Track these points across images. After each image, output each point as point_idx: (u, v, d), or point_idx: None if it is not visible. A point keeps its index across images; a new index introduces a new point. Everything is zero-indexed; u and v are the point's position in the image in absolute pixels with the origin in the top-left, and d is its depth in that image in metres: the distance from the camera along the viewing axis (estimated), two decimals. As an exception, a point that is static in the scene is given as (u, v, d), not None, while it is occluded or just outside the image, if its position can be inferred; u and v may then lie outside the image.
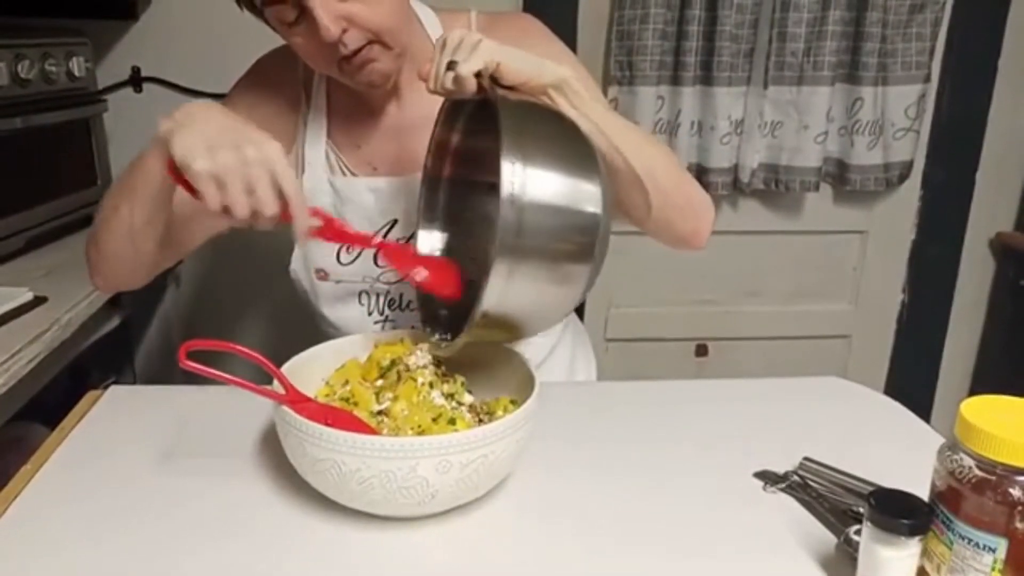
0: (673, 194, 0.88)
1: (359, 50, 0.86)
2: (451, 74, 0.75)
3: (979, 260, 2.04)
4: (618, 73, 1.76)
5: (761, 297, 2.02)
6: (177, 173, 0.72)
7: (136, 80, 1.74)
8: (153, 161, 0.78)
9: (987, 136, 1.92)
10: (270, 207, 0.71)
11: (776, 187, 1.86)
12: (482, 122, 0.85)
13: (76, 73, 1.53)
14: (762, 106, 1.80)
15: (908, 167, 1.87)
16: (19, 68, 1.37)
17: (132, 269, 0.92)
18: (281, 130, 1.00)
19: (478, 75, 0.75)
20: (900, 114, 1.81)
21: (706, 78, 1.76)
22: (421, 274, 0.84)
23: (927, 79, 1.80)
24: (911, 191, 1.95)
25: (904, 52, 1.77)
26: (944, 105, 1.89)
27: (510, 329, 0.76)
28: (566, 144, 0.73)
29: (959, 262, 2.01)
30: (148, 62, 1.74)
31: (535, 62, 0.78)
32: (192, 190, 0.72)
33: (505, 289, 0.69)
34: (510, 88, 0.77)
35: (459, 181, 0.91)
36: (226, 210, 0.71)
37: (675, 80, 1.76)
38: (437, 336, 0.84)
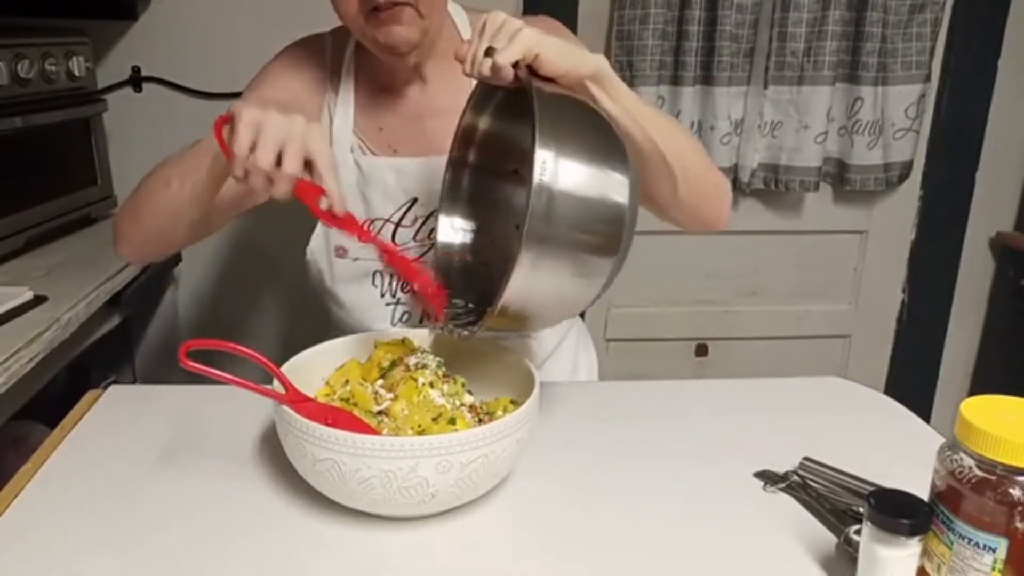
0: (700, 180, 0.91)
1: (392, 5, 0.88)
2: (489, 61, 0.74)
3: (979, 260, 2.03)
4: (618, 73, 1.74)
5: (761, 297, 2.02)
6: (221, 133, 0.75)
7: (136, 80, 1.74)
8: (213, 141, 0.80)
9: (987, 136, 1.92)
10: (292, 164, 0.72)
11: (776, 187, 1.86)
12: (512, 109, 0.85)
13: (76, 73, 1.53)
14: (762, 106, 1.80)
15: (908, 167, 1.87)
16: (19, 68, 1.37)
17: (163, 245, 0.97)
18: (308, 111, 1.03)
19: (516, 65, 0.74)
20: (900, 114, 1.81)
21: (706, 78, 1.76)
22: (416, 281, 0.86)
23: (927, 79, 1.80)
24: (911, 191, 1.95)
25: (904, 52, 1.77)
26: (944, 105, 1.89)
27: (526, 320, 0.75)
28: (598, 139, 0.72)
29: (959, 262, 2.01)
30: (148, 62, 1.74)
31: (573, 53, 0.78)
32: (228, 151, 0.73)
33: (527, 281, 0.68)
34: (547, 79, 0.76)
35: (484, 166, 0.91)
36: (247, 174, 0.73)
37: (675, 80, 1.76)
38: (452, 325, 0.83)
